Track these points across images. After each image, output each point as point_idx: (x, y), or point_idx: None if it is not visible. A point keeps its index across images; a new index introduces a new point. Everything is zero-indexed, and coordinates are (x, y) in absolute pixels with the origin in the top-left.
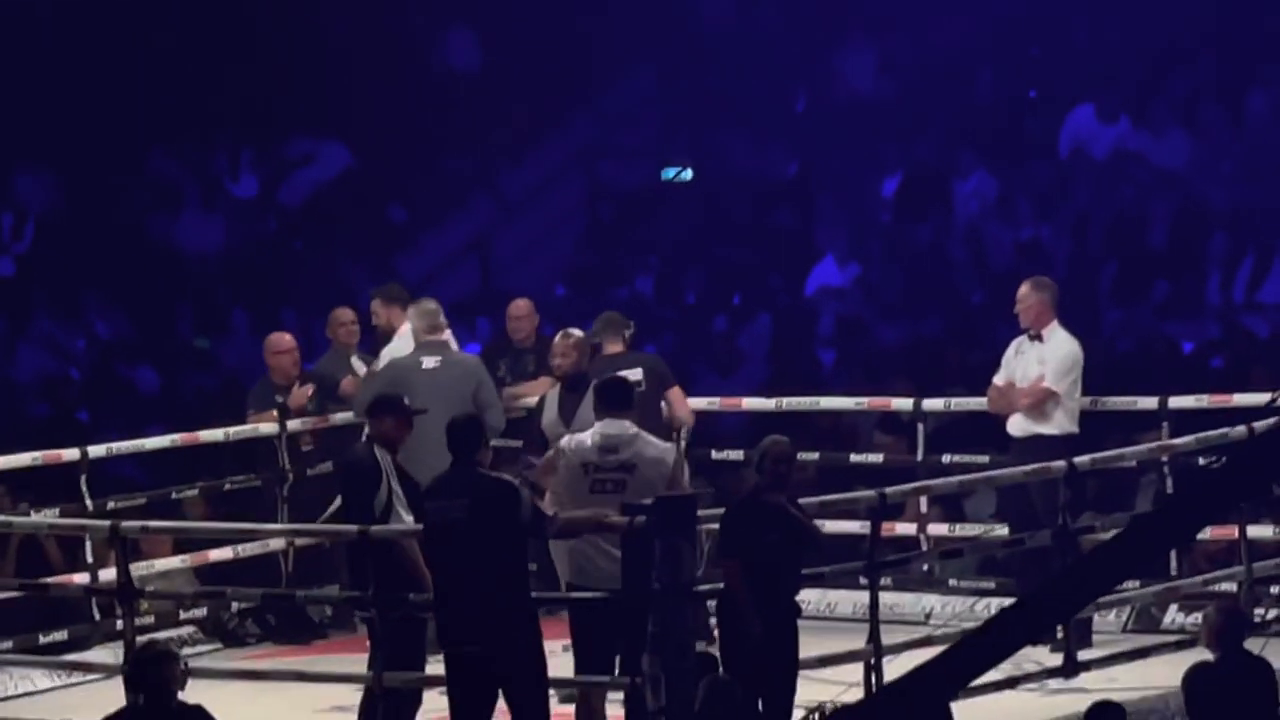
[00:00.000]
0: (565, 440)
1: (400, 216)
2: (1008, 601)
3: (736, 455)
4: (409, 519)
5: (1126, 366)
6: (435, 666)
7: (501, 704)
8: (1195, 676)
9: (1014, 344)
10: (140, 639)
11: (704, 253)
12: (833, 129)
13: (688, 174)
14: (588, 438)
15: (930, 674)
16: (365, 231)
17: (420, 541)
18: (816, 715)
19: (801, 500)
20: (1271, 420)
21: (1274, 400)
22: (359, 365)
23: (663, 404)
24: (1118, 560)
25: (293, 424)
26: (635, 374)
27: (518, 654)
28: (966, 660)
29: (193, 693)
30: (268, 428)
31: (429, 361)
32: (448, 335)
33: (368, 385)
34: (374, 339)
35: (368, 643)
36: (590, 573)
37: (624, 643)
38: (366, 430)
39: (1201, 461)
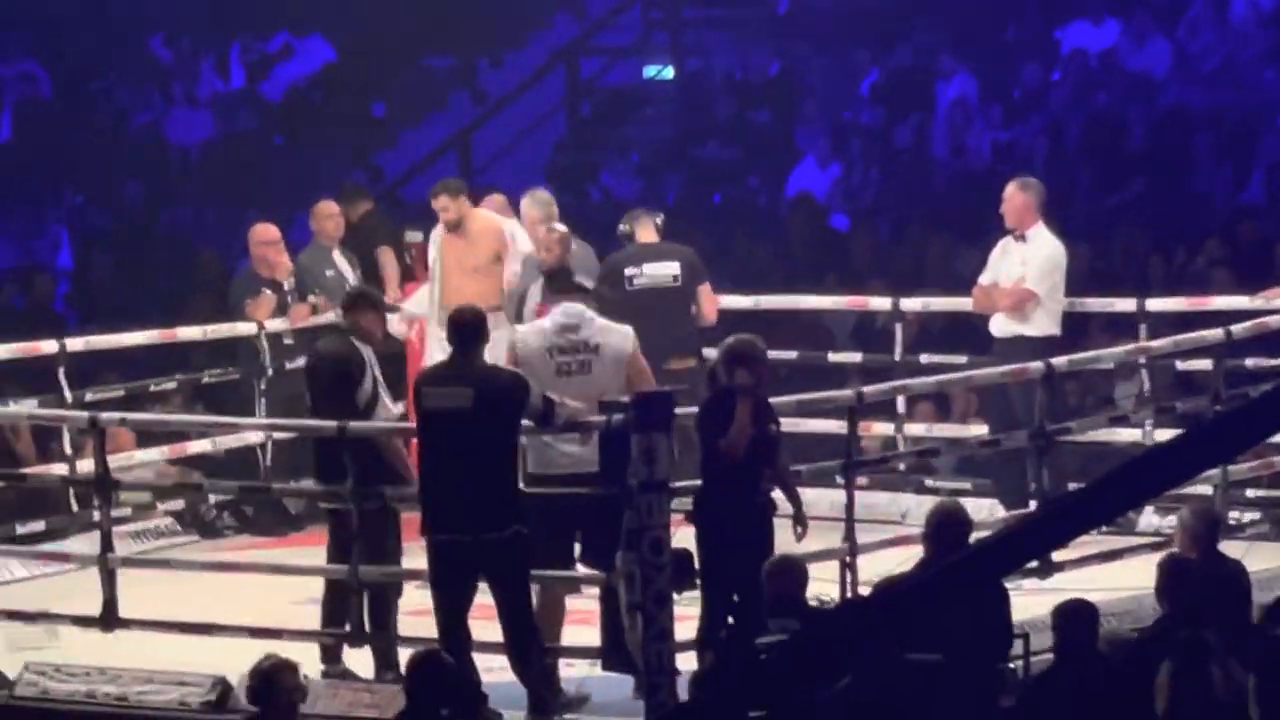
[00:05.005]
0: (516, 333)
1: (381, 112)
2: (985, 503)
3: (710, 354)
4: (395, 410)
5: (1106, 269)
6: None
7: (483, 596)
8: (1172, 567)
9: (1000, 244)
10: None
11: (684, 153)
12: (815, 29)
13: (669, 73)
14: (545, 322)
15: (999, 545)
16: (346, 127)
17: (416, 429)
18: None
19: (777, 400)
20: None
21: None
22: (340, 260)
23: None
24: (1199, 450)
25: (272, 323)
26: (672, 267)
27: (507, 543)
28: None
29: (169, 584)
30: (246, 327)
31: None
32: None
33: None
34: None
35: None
36: (553, 461)
37: (593, 538)
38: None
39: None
